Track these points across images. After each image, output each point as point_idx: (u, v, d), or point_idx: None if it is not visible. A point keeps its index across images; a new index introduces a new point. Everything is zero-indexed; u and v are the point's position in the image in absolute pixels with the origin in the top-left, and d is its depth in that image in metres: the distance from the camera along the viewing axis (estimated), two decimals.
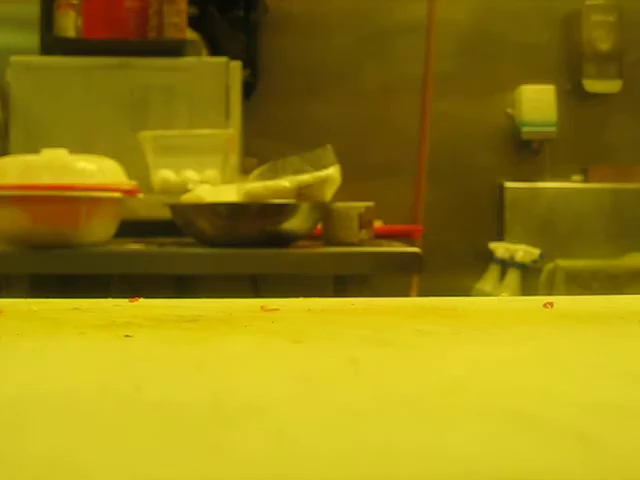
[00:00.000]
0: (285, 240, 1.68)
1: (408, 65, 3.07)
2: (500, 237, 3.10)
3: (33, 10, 2.63)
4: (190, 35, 2.57)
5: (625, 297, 0.71)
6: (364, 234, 1.72)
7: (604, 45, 3.13)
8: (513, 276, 2.89)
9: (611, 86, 3.15)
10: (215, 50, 2.72)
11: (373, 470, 0.25)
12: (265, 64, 3.04)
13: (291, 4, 3.15)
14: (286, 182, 1.70)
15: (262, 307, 0.61)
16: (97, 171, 1.66)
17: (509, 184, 3.13)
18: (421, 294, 2.61)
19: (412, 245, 2.24)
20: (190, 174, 1.95)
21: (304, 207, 1.65)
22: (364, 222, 1.72)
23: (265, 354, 0.44)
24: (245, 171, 2.12)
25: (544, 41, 3.18)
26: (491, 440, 0.28)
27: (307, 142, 2.07)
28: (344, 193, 1.81)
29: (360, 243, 1.71)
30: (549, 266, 2.78)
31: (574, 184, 3.15)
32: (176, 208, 1.71)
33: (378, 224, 2.01)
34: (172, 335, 0.49)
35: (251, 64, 2.86)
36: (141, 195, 1.77)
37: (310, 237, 1.77)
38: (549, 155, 3.18)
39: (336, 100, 3.05)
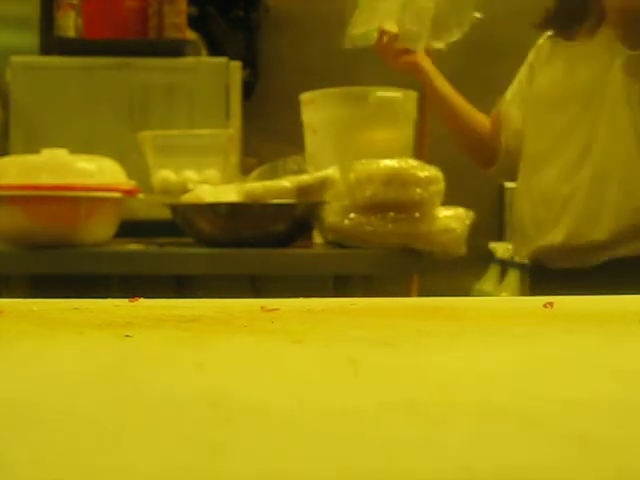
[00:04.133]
0: (285, 240, 1.68)
1: None
2: (500, 237, 3.10)
3: (33, 10, 2.63)
4: (190, 35, 2.57)
5: (625, 297, 0.71)
6: None
7: None
8: (513, 276, 2.89)
9: None
10: (215, 50, 2.72)
11: (373, 470, 0.25)
12: (265, 64, 3.04)
13: (291, 4, 3.15)
14: (286, 182, 1.70)
15: (262, 307, 0.61)
16: (97, 171, 1.66)
17: (509, 184, 3.13)
18: (421, 294, 2.61)
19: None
20: (190, 174, 1.95)
21: (304, 207, 1.65)
22: None
23: (265, 354, 0.44)
24: (245, 171, 2.12)
25: None
26: (491, 440, 0.28)
27: None
28: None
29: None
30: None
31: None
32: (176, 208, 1.71)
33: None
34: (172, 335, 0.49)
35: (251, 64, 2.86)
36: (141, 195, 1.77)
37: (310, 237, 1.77)
38: None
39: None
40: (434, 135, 3.03)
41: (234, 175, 2.04)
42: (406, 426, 0.29)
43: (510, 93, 1.92)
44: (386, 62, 1.93)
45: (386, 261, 1.65)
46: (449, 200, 1.77)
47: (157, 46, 2.45)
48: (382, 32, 1.89)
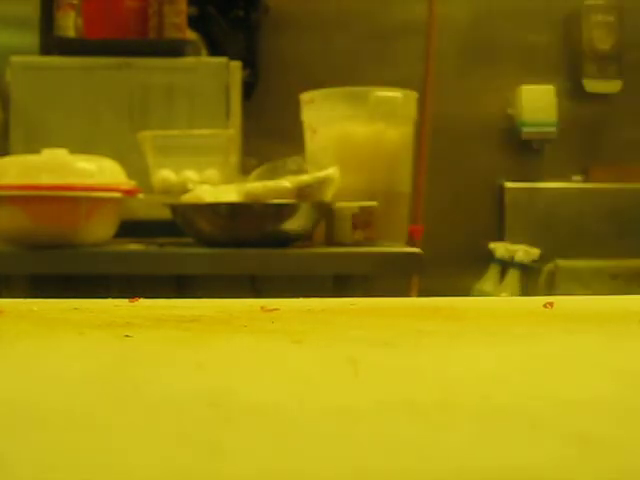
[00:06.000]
0: (285, 240, 1.68)
1: (408, 65, 3.06)
2: (500, 237, 3.10)
3: (33, 10, 2.63)
4: (190, 35, 2.57)
5: (625, 297, 0.71)
6: (358, 235, 1.71)
7: (604, 45, 3.13)
8: (513, 276, 2.89)
9: (611, 86, 3.15)
10: (215, 50, 2.71)
11: (373, 470, 0.25)
12: (265, 64, 3.03)
13: (291, 4, 3.15)
14: (286, 182, 1.70)
15: (262, 307, 0.61)
16: (97, 171, 1.66)
17: (509, 184, 3.13)
18: (421, 294, 2.61)
19: (412, 245, 2.24)
20: (190, 174, 1.95)
21: (304, 207, 1.65)
22: (358, 222, 1.71)
23: (265, 354, 0.44)
24: (245, 171, 2.12)
25: (544, 41, 3.18)
26: (491, 440, 0.28)
27: None
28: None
29: (355, 244, 1.70)
30: (549, 266, 2.78)
31: (574, 184, 3.15)
32: (176, 208, 1.71)
33: None
34: (172, 335, 0.49)
35: (251, 64, 2.86)
36: (141, 195, 1.77)
37: (310, 237, 1.77)
38: (549, 155, 3.18)
39: None
40: (434, 135, 3.03)
41: (234, 175, 2.04)
42: (406, 426, 0.29)
43: None
44: None
45: (386, 261, 1.65)
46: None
47: (157, 46, 2.45)
48: None
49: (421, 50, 3.02)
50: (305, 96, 1.99)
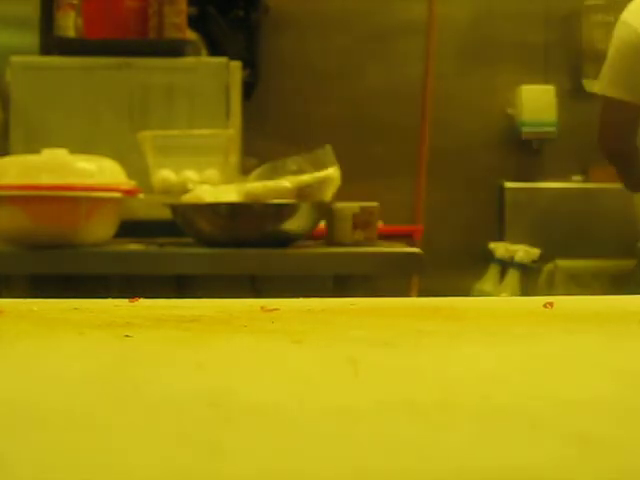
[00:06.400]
0: (285, 240, 1.68)
1: (408, 65, 3.06)
2: (500, 237, 3.10)
3: (33, 10, 2.63)
4: (190, 35, 2.57)
5: (625, 297, 0.71)
6: (359, 235, 1.71)
7: (604, 45, 3.13)
8: (513, 276, 2.89)
9: None
10: (215, 50, 2.72)
11: (373, 470, 0.25)
12: (265, 64, 3.03)
13: (291, 4, 3.15)
14: (286, 182, 1.70)
15: (262, 307, 0.61)
16: (97, 171, 1.66)
17: (509, 184, 3.13)
18: (421, 294, 2.61)
19: (412, 245, 2.24)
20: (190, 174, 1.95)
21: (304, 207, 1.65)
22: (359, 222, 1.71)
23: (265, 354, 0.44)
24: (245, 171, 2.12)
25: (544, 41, 3.18)
26: (491, 440, 0.28)
27: (307, 142, 2.07)
28: (345, 193, 1.80)
29: (355, 244, 1.70)
30: (549, 266, 2.78)
31: (574, 184, 3.15)
32: (176, 208, 1.71)
33: (379, 224, 2.00)
34: (172, 335, 0.49)
35: (251, 64, 2.86)
36: (141, 195, 1.77)
37: (311, 237, 1.77)
38: (549, 155, 3.17)
39: (336, 100, 3.05)
40: (434, 135, 3.03)
41: (234, 175, 2.04)
42: (406, 426, 0.29)
43: None
44: None
45: (386, 261, 1.65)
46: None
47: (157, 46, 2.45)
48: None
49: (421, 50, 3.02)
50: None
